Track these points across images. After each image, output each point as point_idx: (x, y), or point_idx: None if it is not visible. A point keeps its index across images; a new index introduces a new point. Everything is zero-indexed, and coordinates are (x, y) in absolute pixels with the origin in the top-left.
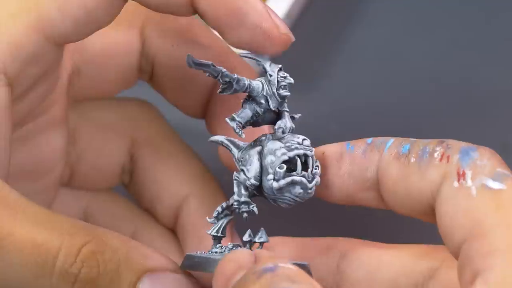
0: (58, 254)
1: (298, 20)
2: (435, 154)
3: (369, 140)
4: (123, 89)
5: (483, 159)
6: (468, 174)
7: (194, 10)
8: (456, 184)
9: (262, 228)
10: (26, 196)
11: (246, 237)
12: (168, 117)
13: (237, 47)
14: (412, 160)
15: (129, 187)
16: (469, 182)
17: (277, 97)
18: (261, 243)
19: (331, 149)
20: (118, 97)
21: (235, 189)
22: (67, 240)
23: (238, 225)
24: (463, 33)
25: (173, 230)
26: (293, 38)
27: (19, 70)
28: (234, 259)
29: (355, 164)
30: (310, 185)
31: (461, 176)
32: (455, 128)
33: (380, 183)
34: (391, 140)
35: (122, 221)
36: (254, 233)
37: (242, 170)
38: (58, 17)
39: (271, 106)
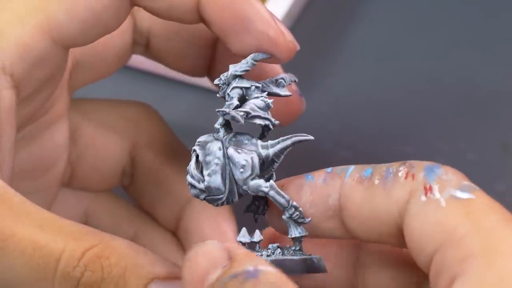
0: (61, 257)
1: (298, 20)
2: (400, 174)
3: (329, 169)
4: (120, 67)
5: (448, 174)
6: (435, 187)
7: (200, 18)
8: (423, 198)
9: (244, 227)
10: (27, 195)
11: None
12: (168, 118)
13: (242, 55)
14: (376, 181)
15: (129, 190)
16: (437, 194)
17: None
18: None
19: (290, 182)
20: (120, 99)
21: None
22: (71, 244)
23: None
24: (463, 33)
25: (173, 232)
26: (298, 46)
27: (26, 72)
28: (205, 254)
29: (316, 193)
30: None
31: (428, 190)
32: (455, 128)
33: (343, 209)
34: (352, 167)
35: (123, 222)
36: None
37: None
38: (65, 20)
39: None
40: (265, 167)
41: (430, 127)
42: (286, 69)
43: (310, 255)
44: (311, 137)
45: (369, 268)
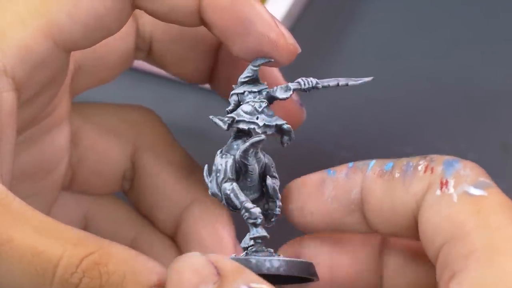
0: (59, 263)
1: (298, 20)
2: (419, 167)
3: (350, 164)
4: (121, 72)
5: (466, 169)
6: (451, 182)
7: (201, 21)
8: (438, 192)
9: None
10: (27, 198)
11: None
12: (169, 118)
13: (243, 57)
14: (397, 175)
15: (129, 194)
16: (451, 189)
17: None
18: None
19: (311, 178)
20: (122, 104)
21: (279, 194)
22: (69, 250)
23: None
24: (463, 33)
25: (172, 238)
26: (299, 49)
27: (28, 75)
28: (192, 269)
29: (338, 187)
30: None
31: (444, 184)
32: (455, 128)
33: (364, 202)
34: (374, 160)
35: (123, 226)
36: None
37: (277, 177)
38: (67, 23)
39: None
40: (243, 170)
41: (430, 127)
42: (286, 69)
43: (279, 254)
44: (263, 137)
45: (393, 266)
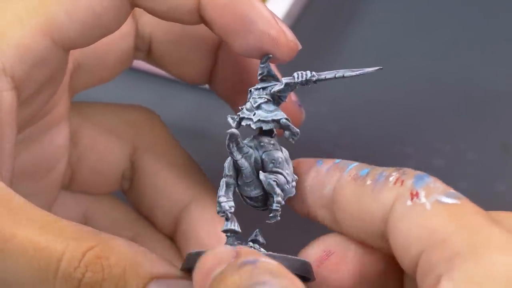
0: (62, 258)
1: (298, 20)
2: (390, 178)
3: (337, 160)
4: (121, 72)
5: (437, 183)
6: (422, 193)
7: (201, 19)
8: (409, 203)
9: (257, 229)
10: (27, 197)
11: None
12: (168, 118)
13: (244, 55)
14: (368, 182)
15: (128, 194)
16: (423, 199)
17: None
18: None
19: (305, 162)
20: (121, 103)
21: (276, 190)
22: (71, 245)
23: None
24: (463, 33)
25: (171, 237)
26: (300, 46)
27: (27, 73)
28: (215, 254)
29: (317, 179)
30: None
31: (414, 195)
32: (455, 128)
33: (335, 202)
34: (355, 163)
35: (122, 226)
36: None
37: (280, 172)
38: (65, 21)
39: None
40: (238, 167)
41: (430, 127)
42: (286, 69)
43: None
44: (233, 130)
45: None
